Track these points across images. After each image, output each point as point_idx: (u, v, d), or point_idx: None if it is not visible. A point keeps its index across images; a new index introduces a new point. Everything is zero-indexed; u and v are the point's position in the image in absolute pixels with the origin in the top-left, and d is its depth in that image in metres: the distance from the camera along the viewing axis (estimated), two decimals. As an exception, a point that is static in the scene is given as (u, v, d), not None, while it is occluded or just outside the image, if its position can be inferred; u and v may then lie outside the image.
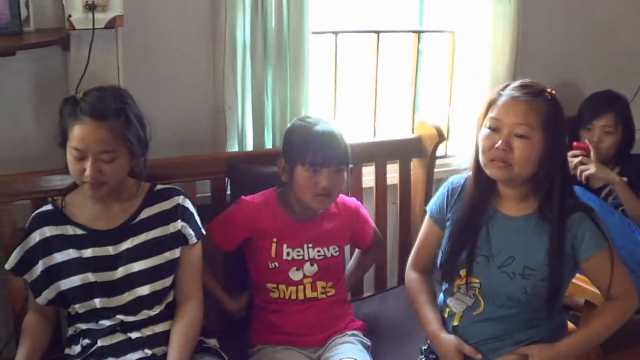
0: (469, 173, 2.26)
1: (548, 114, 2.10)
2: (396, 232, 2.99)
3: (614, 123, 3.16)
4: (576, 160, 3.04)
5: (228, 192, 2.66)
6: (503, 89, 2.16)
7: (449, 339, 2.22)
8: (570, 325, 2.43)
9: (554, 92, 2.17)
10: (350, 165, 2.48)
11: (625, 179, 3.09)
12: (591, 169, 3.01)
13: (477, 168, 2.19)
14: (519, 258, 2.16)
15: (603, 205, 2.98)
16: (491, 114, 2.13)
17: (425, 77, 3.42)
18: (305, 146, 2.36)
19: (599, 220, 2.19)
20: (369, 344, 2.49)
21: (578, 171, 3.02)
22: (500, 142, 2.08)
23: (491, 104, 2.15)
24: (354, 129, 3.23)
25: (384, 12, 3.33)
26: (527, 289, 2.14)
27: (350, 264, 2.76)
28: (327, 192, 2.37)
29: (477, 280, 2.20)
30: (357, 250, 2.75)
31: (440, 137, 2.91)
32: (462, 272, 2.22)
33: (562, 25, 3.59)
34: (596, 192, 3.11)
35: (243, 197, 2.49)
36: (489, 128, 2.12)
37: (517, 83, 2.17)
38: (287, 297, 2.46)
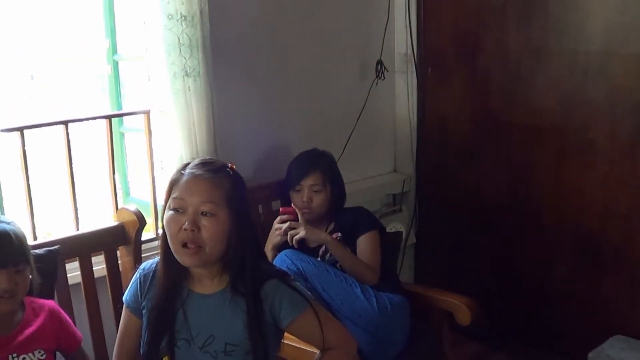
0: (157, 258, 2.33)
1: (231, 189, 2.23)
2: (112, 324, 2.98)
3: (321, 181, 3.33)
4: (285, 225, 3.21)
5: None
6: (183, 169, 2.25)
7: None
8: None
9: (234, 166, 2.30)
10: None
11: (339, 234, 3.33)
12: (301, 232, 3.17)
13: (165, 252, 2.26)
14: (218, 336, 2.24)
15: (318, 264, 3.13)
16: (174, 195, 2.20)
17: (132, 159, 3.52)
18: None
19: (294, 282, 2.34)
20: None
21: (289, 236, 3.19)
22: (187, 222, 2.16)
23: (173, 185, 2.23)
24: (57, 224, 3.26)
25: (77, 101, 3.42)
26: None
27: None
28: (10, 294, 2.39)
29: None
30: None
31: (142, 222, 2.97)
32: None
33: (260, 91, 3.78)
34: (313, 251, 3.27)
35: None
36: (174, 209, 2.19)
37: (197, 161, 2.27)
38: None
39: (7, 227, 2.45)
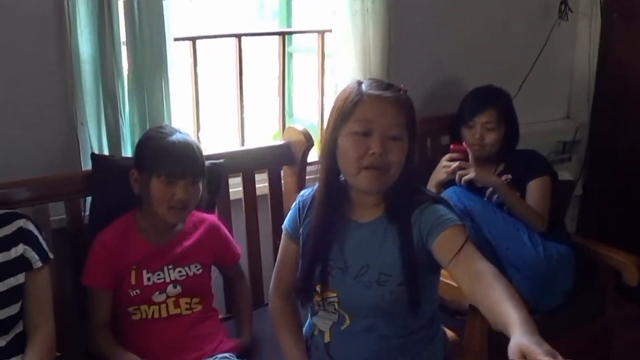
0: (317, 184, 2.25)
1: (411, 112, 2.12)
2: (270, 244, 3.00)
3: (496, 119, 3.21)
4: (454, 165, 3.10)
5: (86, 212, 2.63)
6: (359, 89, 2.11)
7: None
8: (450, 333, 2.49)
9: (407, 89, 2.18)
10: None
11: (509, 176, 3.21)
12: (470, 174, 3.06)
13: (327, 178, 2.18)
14: (373, 265, 2.16)
15: (485, 205, 3.06)
16: (357, 117, 2.07)
17: (297, 80, 3.48)
18: (161, 157, 2.39)
19: (447, 204, 2.19)
20: (244, 365, 2.48)
21: (457, 176, 3.08)
22: (375, 146, 2.04)
23: (355, 106, 2.08)
24: (219, 138, 3.26)
25: (248, 15, 3.39)
26: (385, 296, 2.13)
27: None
28: (183, 205, 2.41)
29: (334, 294, 2.20)
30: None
31: (309, 142, 2.92)
32: (319, 288, 2.21)
33: (439, 20, 3.67)
34: (480, 191, 3.17)
35: (98, 237, 2.47)
36: (357, 132, 2.07)
37: (373, 82, 2.14)
38: (149, 317, 2.47)
39: (188, 138, 2.47)
